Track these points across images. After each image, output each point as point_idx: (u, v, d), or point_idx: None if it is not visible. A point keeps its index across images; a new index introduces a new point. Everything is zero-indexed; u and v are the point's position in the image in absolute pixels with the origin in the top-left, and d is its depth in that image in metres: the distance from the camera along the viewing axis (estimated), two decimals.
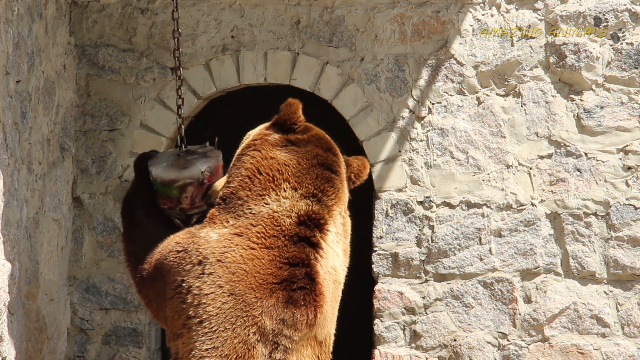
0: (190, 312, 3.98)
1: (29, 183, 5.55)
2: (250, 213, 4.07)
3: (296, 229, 4.04)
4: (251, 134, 4.34)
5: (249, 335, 3.92)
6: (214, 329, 3.93)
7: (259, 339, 3.93)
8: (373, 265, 6.42)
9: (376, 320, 6.39)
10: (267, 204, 4.07)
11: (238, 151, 4.31)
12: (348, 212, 4.35)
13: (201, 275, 4.01)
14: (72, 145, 6.53)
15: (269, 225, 4.04)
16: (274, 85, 6.62)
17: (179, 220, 4.54)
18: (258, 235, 4.02)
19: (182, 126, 4.96)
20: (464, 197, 6.37)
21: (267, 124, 4.30)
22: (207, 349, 3.92)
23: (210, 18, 6.57)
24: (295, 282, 3.97)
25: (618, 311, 6.26)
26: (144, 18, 6.61)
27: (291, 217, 4.06)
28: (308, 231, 4.06)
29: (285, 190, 4.09)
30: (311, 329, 4.01)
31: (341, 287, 4.25)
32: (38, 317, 5.74)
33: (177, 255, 4.12)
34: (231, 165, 4.25)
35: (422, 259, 6.38)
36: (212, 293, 3.96)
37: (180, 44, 5.09)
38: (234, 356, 3.89)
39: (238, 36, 6.56)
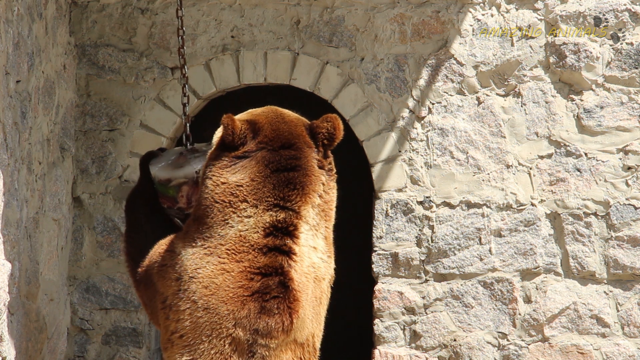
0: (172, 328, 4.08)
1: (29, 183, 5.55)
2: (217, 235, 4.05)
3: (264, 241, 3.99)
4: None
5: (224, 346, 3.97)
6: (191, 342, 4.00)
7: (234, 349, 3.97)
8: (373, 265, 6.42)
9: (376, 320, 6.39)
10: (232, 227, 4.02)
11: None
12: (328, 189, 4.24)
13: (178, 292, 4.06)
14: (72, 145, 6.53)
15: (237, 243, 4.01)
16: (274, 85, 6.62)
17: (178, 219, 4.55)
18: (228, 252, 4.01)
19: (188, 124, 4.91)
20: (464, 197, 6.37)
21: (217, 139, 4.19)
22: None
23: (210, 18, 6.57)
24: (268, 292, 3.96)
25: (618, 311, 6.26)
26: (144, 18, 6.61)
27: (258, 232, 4.00)
28: (277, 240, 4.00)
29: (245, 210, 4.01)
30: (288, 334, 4.02)
31: (325, 282, 4.24)
32: (38, 317, 5.74)
33: (161, 269, 4.18)
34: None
35: (422, 259, 6.38)
36: (188, 308, 4.02)
37: (184, 42, 5.08)
38: None
39: (238, 36, 6.56)
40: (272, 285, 3.98)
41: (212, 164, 4.10)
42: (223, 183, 4.03)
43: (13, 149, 5.18)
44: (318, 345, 4.26)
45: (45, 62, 5.89)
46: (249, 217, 4.01)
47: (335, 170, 4.28)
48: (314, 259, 4.14)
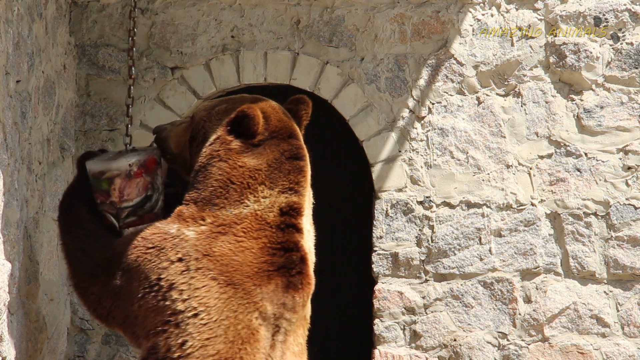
0: (179, 307, 4.04)
1: (29, 183, 5.54)
2: (231, 214, 4.17)
3: (281, 219, 4.18)
4: (207, 127, 4.36)
5: (251, 320, 4.04)
6: (214, 319, 4.02)
7: (261, 323, 4.05)
8: (373, 265, 6.42)
9: (376, 320, 6.39)
10: (247, 206, 4.19)
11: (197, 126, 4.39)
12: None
13: (186, 272, 4.08)
14: (72, 145, 6.53)
15: (253, 221, 4.16)
16: (274, 85, 6.62)
17: (110, 214, 4.51)
18: (244, 230, 4.14)
19: (129, 125, 4.96)
20: (464, 197, 6.37)
21: (223, 122, 4.31)
22: (208, 338, 4.00)
23: (210, 18, 6.57)
24: (293, 267, 4.14)
25: (618, 311, 6.26)
26: (144, 18, 6.61)
27: (273, 211, 4.19)
28: (292, 219, 4.20)
29: (262, 192, 4.20)
30: (304, 309, 4.21)
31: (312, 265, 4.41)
32: (38, 317, 5.74)
33: (147, 252, 4.16)
34: (195, 172, 4.29)
35: (422, 259, 6.38)
36: (205, 286, 4.05)
37: (134, 43, 5.14)
38: (239, 341, 4.00)
39: (238, 36, 6.56)
40: (296, 260, 4.15)
41: (228, 147, 4.23)
42: (241, 166, 4.20)
43: (13, 149, 5.17)
44: None
45: (45, 62, 5.89)
46: (265, 198, 4.19)
47: None
48: (310, 242, 4.33)
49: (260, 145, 4.24)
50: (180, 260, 4.09)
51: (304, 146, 4.35)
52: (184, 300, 4.04)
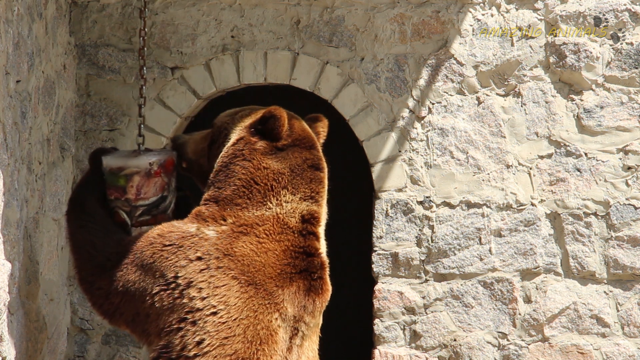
0: (197, 305, 4.03)
1: (29, 183, 5.54)
2: (253, 215, 4.20)
3: (302, 226, 4.22)
4: (231, 130, 4.38)
5: (271, 321, 4.05)
6: (233, 317, 4.02)
7: (280, 324, 4.07)
8: (373, 265, 6.42)
9: (376, 320, 6.39)
10: (270, 208, 4.22)
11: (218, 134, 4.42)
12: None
13: (205, 270, 4.08)
14: (72, 145, 6.53)
15: (276, 224, 4.20)
16: (274, 85, 6.62)
17: (123, 211, 4.50)
18: (267, 232, 4.17)
19: (142, 125, 4.95)
20: (464, 197, 6.37)
21: (246, 124, 4.35)
22: (226, 337, 4.00)
23: (210, 18, 6.57)
24: (315, 271, 4.18)
25: (618, 311, 6.26)
26: None
27: (295, 217, 4.23)
28: (313, 227, 4.25)
29: (285, 196, 4.24)
30: (320, 316, 4.25)
31: None
32: (38, 317, 5.74)
33: (164, 249, 4.15)
34: (216, 171, 4.30)
35: (422, 259, 6.38)
36: (226, 285, 4.05)
37: (146, 43, 5.13)
38: (258, 341, 4.01)
39: (238, 36, 6.56)
40: (317, 265, 4.20)
41: (253, 147, 4.27)
42: (265, 168, 4.24)
43: (13, 149, 5.18)
44: None
45: (45, 62, 5.89)
46: (287, 202, 4.23)
47: None
48: (324, 249, 4.37)
49: (284, 150, 4.28)
50: (199, 258, 4.10)
51: (321, 152, 4.40)
52: (202, 298, 4.04)
